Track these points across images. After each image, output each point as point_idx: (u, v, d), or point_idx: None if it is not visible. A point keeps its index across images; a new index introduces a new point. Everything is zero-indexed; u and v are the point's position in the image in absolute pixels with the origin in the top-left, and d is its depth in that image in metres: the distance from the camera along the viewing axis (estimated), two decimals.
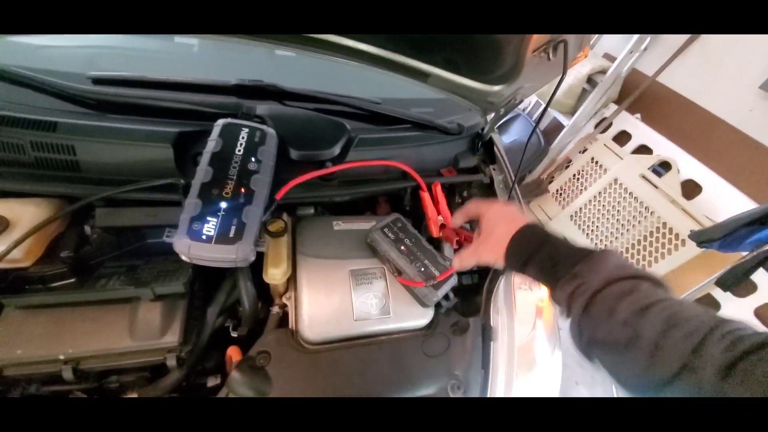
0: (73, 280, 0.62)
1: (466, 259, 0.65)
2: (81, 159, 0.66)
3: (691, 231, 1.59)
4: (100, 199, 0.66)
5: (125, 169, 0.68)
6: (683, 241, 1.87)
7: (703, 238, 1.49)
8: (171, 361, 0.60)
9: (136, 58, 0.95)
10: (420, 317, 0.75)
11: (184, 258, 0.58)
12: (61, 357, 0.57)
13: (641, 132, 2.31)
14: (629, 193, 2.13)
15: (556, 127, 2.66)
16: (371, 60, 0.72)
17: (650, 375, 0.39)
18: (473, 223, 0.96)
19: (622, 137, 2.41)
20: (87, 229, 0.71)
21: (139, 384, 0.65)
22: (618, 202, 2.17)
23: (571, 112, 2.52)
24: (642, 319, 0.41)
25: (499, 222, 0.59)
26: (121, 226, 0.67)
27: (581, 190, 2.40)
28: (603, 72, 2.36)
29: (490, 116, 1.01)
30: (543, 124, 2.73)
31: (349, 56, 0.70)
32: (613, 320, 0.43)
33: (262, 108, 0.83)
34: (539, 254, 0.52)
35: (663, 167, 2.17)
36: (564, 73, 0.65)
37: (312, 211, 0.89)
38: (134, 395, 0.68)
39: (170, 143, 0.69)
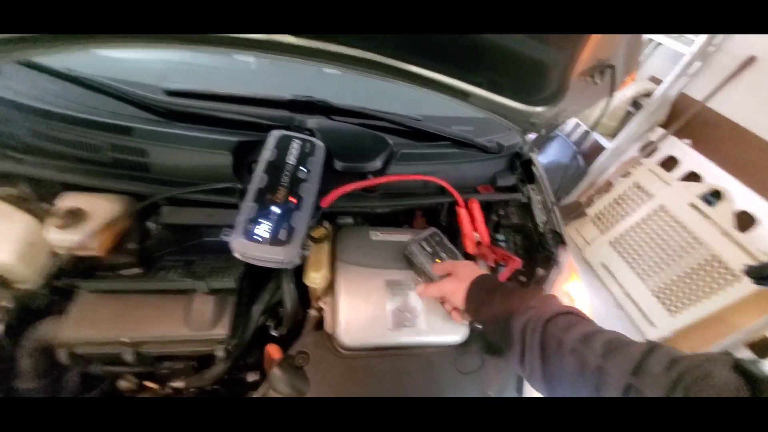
0: (138, 270, 0.68)
1: (429, 289, 0.73)
2: (151, 161, 0.73)
3: (746, 266, 1.48)
4: (165, 198, 0.73)
5: (189, 172, 0.75)
6: (737, 276, 1.74)
7: (761, 274, 1.39)
8: (219, 353, 0.64)
9: (201, 73, 1.05)
10: (454, 333, 0.75)
11: (237, 256, 0.63)
12: (125, 339, 0.62)
13: (690, 158, 2.20)
14: (677, 222, 2.02)
15: (596, 149, 2.59)
16: (412, 79, 0.75)
17: (594, 392, 0.42)
18: (509, 240, 0.96)
19: (670, 163, 2.30)
20: (150, 224, 0.78)
21: (187, 372, 0.70)
22: (664, 231, 2.06)
23: (613, 134, 2.45)
24: (586, 346, 0.45)
25: (466, 269, 0.70)
26: (183, 223, 0.73)
27: (623, 215, 2.30)
28: (648, 95, 2.29)
29: (530, 136, 1.02)
30: (582, 145, 2.67)
31: (391, 75, 0.74)
32: (563, 350, 0.47)
33: (311, 121, 0.88)
34: (497, 292, 0.60)
35: (714, 196, 2.05)
36: (610, 98, 0.65)
37: (351, 220, 0.93)
38: (181, 383, 0.73)
39: (230, 151, 0.75)
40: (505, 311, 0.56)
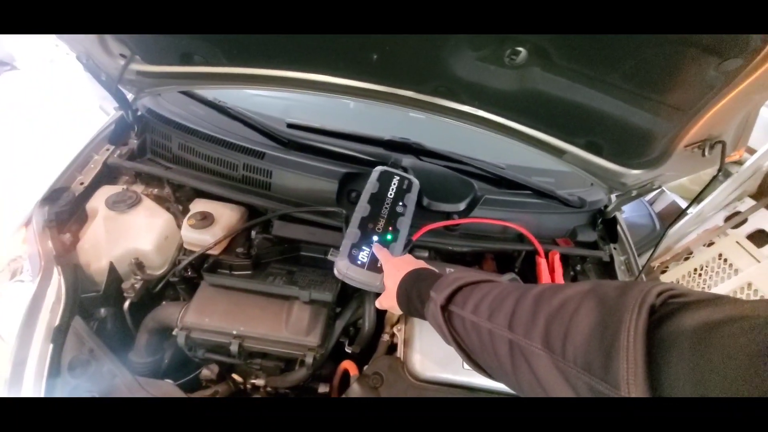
0: (250, 272, 0.78)
1: (380, 302, 0.68)
2: (273, 182, 0.86)
3: None
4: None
5: (300, 194, 0.86)
6: None
7: None
8: (308, 359, 0.70)
9: (311, 109, 1.21)
10: None
11: (338, 275, 0.70)
12: (234, 332, 0.71)
13: None
14: None
15: (672, 210, 2.43)
16: (515, 135, 0.81)
17: (504, 368, 0.40)
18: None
19: (759, 237, 2.09)
20: (253, 233, 0.90)
21: (272, 372, 0.77)
22: None
23: (696, 199, 2.29)
24: (477, 315, 0.44)
25: (390, 278, 0.65)
26: (288, 237, 0.83)
27: (704, 288, 2.10)
28: (739, 163, 2.14)
29: (616, 194, 1.01)
30: (659, 206, 2.52)
31: (496, 130, 0.80)
32: (467, 327, 0.45)
33: (406, 160, 0.97)
34: (413, 295, 0.58)
35: None
36: (719, 172, 0.65)
37: (426, 254, 0.98)
38: (262, 381, 0.80)
39: (337, 180, 0.85)
40: (420, 308, 0.55)
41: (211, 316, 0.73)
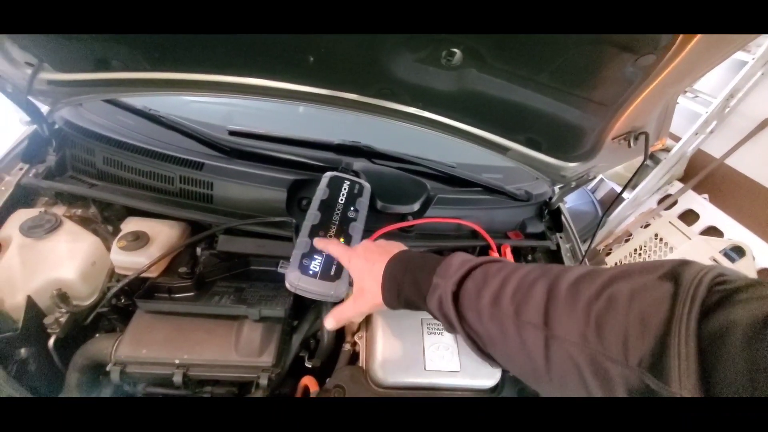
0: (193, 293, 0.72)
1: (345, 313, 0.61)
2: (215, 194, 0.80)
3: None
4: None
5: (246, 206, 0.81)
6: None
7: None
8: (263, 381, 0.66)
9: (257, 114, 1.15)
10: (488, 377, 0.76)
11: (289, 288, 0.67)
12: (177, 361, 0.65)
13: (710, 213, 2.22)
14: None
15: (611, 197, 2.63)
16: (461, 134, 0.82)
17: (527, 355, 0.39)
18: None
19: (689, 216, 2.32)
20: (198, 251, 0.84)
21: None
22: None
23: (631, 186, 2.49)
24: (498, 308, 0.41)
25: (364, 276, 0.57)
26: (235, 252, 0.78)
27: None
28: (666, 150, 2.36)
29: (558, 186, 1.07)
30: (600, 194, 2.71)
31: (441, 130, 0.81)
32: (483, 320, 0.43)
33: (357, 164, 0.95)
34: (405, 283, 0.52)
35: (736, 252, 2.03)
36: (645, 160, 0.70)
37: None
38: None
39: (285, 188, 0.81)
40: (420, 298, 0.50)
41: (149, 347, 0.66)
